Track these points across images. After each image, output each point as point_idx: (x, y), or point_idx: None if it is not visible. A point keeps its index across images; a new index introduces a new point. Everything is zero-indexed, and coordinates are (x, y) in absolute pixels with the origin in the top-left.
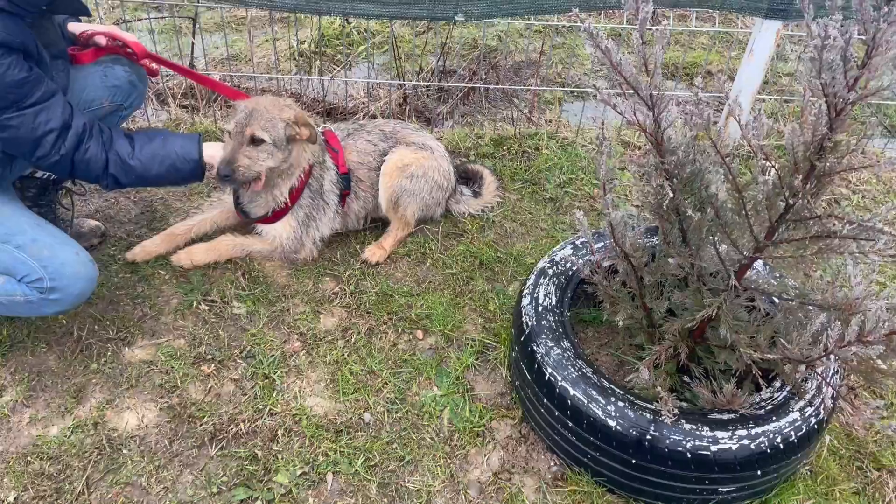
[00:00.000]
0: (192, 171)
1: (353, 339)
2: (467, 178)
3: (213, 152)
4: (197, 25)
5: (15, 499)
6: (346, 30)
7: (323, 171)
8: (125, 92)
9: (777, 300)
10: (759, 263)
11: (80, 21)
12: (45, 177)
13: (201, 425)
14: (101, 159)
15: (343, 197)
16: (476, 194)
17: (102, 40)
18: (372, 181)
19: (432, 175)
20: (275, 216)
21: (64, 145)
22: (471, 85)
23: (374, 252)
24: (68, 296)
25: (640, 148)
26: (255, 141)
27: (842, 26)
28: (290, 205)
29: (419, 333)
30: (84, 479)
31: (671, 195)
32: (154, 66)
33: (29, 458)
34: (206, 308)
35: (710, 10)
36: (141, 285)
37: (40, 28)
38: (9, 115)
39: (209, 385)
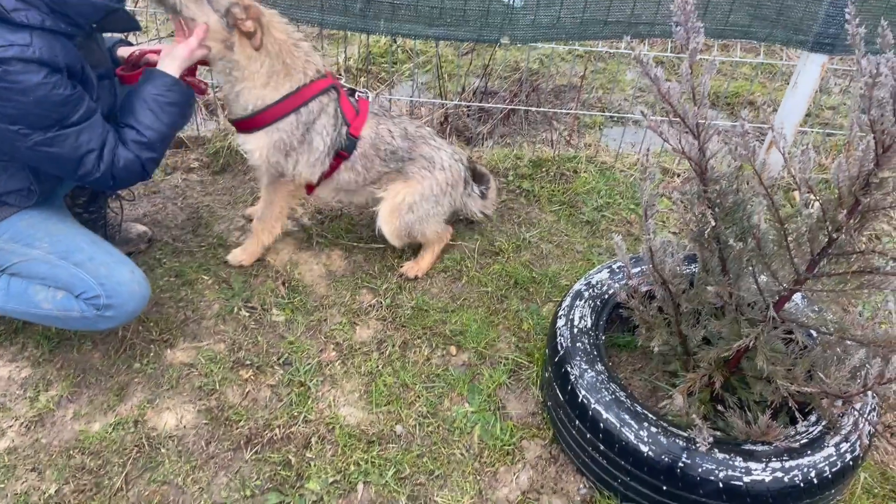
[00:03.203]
0: (181, 88)
1: (387, 352)
2: (476, 176)
3: (175, 54)
4: None
5: (56, 491)
6: (393, 48)
7: (321, 113)
8: None
9: (815, 333)
10: (797, 296)
11: (130, 44)
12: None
13: (237, 429)
14: (132, 158)
15: (338, 158)
16: (483, 195)
17: (154, 57)
18: (373, 166)
19: (430, 191)
20: (244, 124)
21: (102, 162)
22: (511, 106)
23: (412, 267)
24: (122, 313)
25: (678, 175)
26: None
27: (893, 64)
28: (268, 118)
29: (453, 349)
30: (123, 475)
31: (713, 224)
32: (203, 83)
33: (71, 453)
34: (247, 314)
35: (755, 42)
36: (185, 289)
37: (88, 49)
38: (53, 133)
39: (246, 390)
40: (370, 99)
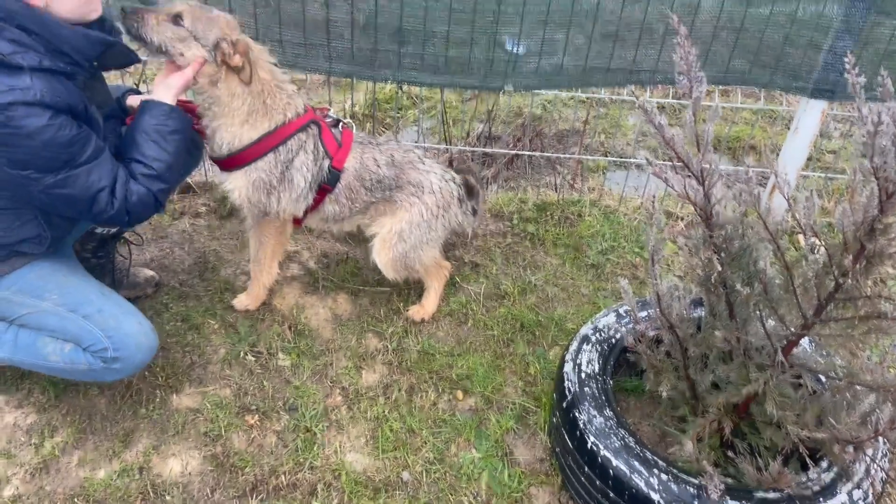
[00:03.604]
0: (179, 115)
1: (393, 397)
2: (466, 189)
3: (169, 83)
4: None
5: None
6: (398, 94)
7: (299, 150)
8: None
9: (824, 378)
10: (805, 340)
11: (139, 92)
12: (105, 232)
13: (243, 476)
14: (144, 191)
15: (322, 191)
16: (474, 212)
17: None
18: (358, 196)
19: (419, 217)
20: (223, 163)
21: (115, 198)
22: (515, 151)
23: (417, 311)
24: (129, 365)
25: (682, 219)
26: (176, 18)
27: (894, 113)
28: (246, 158)
29: (459, 394)
30: None
31: (720, 269)
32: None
33: (76, 501)
34: (253, 359)
35: (755, 88)
36: (191, 334)
37: (91, 89)
38: (63, 174)
39: (252, 436)
40: (354, 129)
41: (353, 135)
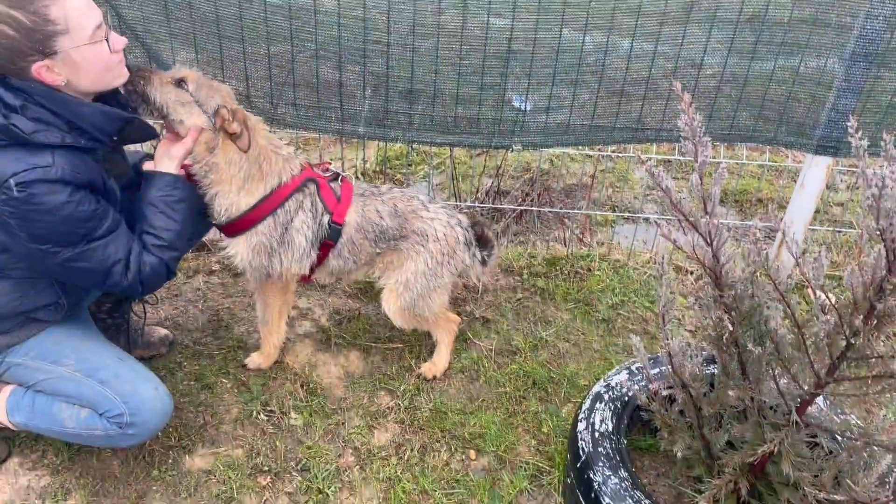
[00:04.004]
0: (184, 184)
1: (406, 456)
2: (481, 239)
3: (171, 153)
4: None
5: None
6: (408, 152)
7: (297, 210)
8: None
9: (840, 438)
10: (820, 399)
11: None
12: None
13: None
14: (157, 262)
15: (325, 247)
16: (483, 262)
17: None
18: (362, 249)
19: (424, 266)
20: (226, 229)
21: (130, 271)
22: (524, 207)
23: (429, 368)
24: (144, 430)
25: (692, 273)
26: (179, 83)
27: None
28: (245, 224)
29: (472, 453)
30: None
31: (731, 328)
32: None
33: None
34: (265, 418)
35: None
36: (204, 393)
37: (112, 161)
38: (80, 248)
39: (264, 497)
40: (353, 182)
41: (354, 187)
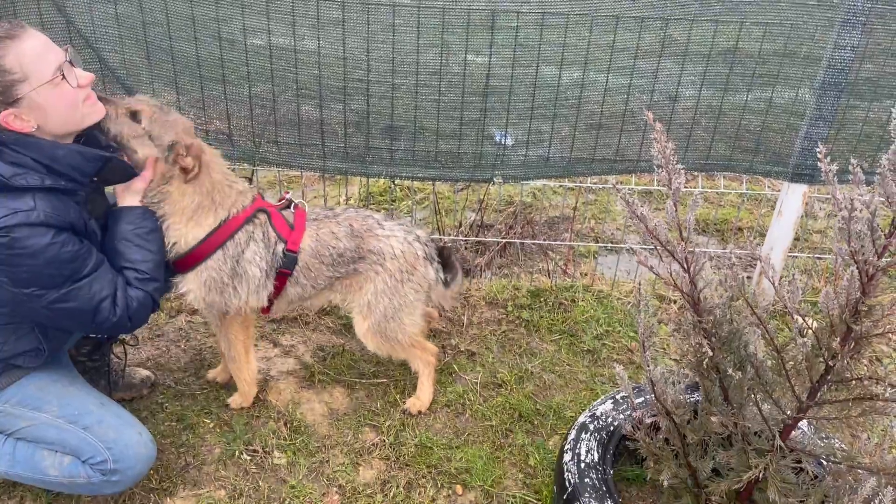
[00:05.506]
0: (151, 215)
1: (391, 493)
2: (444, 262)
3: (133, 189)
4: (253, 184)
5: None
6: (391, 187)
7: (248, 241)
8: None
9: (825, 462)
10: (804, 424)
11: None
12: (100, 335)
13: None
14: (142, 295)
15: (282, 276)
16: (446, 285)
17: None
18: (319, 274)
19: (383, 286)
20: (177, 264)
21: (117, 306)
22: (507, 239)
23: (414, 403)
24: (127, 478)
25: (675, 301)
26: (134, 115)
27: (866, 200)
28: (194, 259)
29: (458, 488)
30: None
31: (710, 353)
32: None
33: None
34: (248, 458)
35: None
36: (186, 434)
37: (94, 202)
38: (66, 289)
39: None
40: (307, 208)
41: (307, 213)
